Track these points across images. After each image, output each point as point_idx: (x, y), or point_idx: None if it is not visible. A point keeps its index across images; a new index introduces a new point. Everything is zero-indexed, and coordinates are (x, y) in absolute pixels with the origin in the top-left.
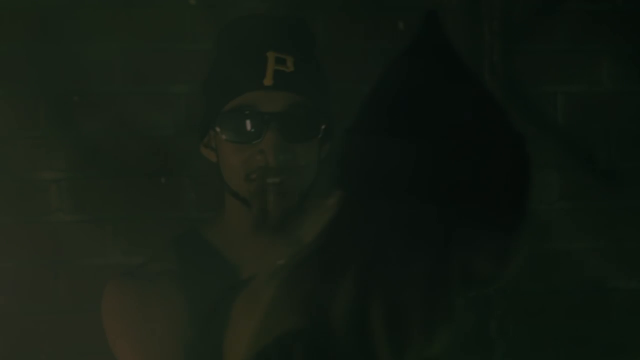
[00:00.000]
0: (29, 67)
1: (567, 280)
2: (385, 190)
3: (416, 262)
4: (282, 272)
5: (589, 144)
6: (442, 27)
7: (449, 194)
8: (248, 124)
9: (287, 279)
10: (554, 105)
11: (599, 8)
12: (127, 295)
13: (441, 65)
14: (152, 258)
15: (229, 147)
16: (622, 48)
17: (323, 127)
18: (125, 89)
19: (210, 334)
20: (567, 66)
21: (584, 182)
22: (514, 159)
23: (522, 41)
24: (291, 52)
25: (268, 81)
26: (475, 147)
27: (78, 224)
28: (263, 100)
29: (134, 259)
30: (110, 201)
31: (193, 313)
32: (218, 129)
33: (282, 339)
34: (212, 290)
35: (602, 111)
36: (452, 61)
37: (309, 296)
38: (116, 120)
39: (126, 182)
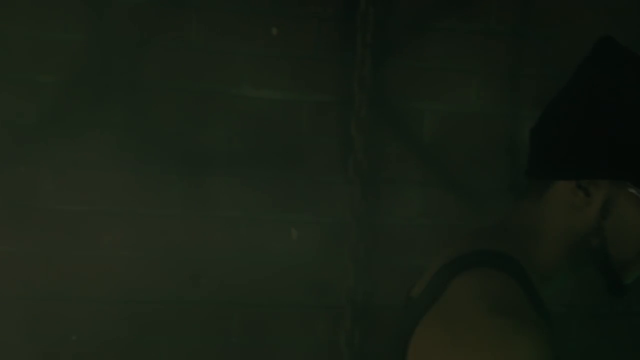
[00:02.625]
0: None
1: None
2: None
3: None
4: None
5: (452, 163)
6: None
7: None
8: None
9: None
10: (421, 122)
11: (472, 28)
12: None
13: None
14: None
15: None
16: (493, 69)
17: None
18: None
19: None
20: (437, 84)
21: (445, 201)
22: None
23: (393, 56)
24: None
25: None
26: None
27: None
28: None
29: None
30: None
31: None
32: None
33: None
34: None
35: (469, 131)
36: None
37: None
38: None
39: None
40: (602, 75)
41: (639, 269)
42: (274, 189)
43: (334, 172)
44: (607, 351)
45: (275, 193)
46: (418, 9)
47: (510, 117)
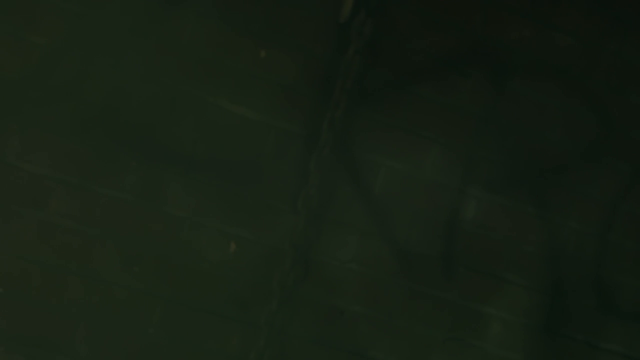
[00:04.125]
0: None
1: (342, 338)
2: None
3: None
4: None
5: (395, 219)
6: None
7: None
8: None
9: None
10: (376, 174)
11: (444, 100)
12: None
13: None
14: None
15: None
16: (454, 144)
17: None
18: None
19: None
20: (399, 143)
21: (379, 253)
22: None
23: (366, 106)
24: None
25: None
26: None
27: None
28: None
29: None
30: None
31: None
32: None
33: None
34: None
35: (417, 194)
36: None
37: None
38: None
39: None
40: None
41: None
42: (225, 199)
43: (284, 199)
44: None
45: (225, 203)
46: (401, 69)
47: (457, 192)
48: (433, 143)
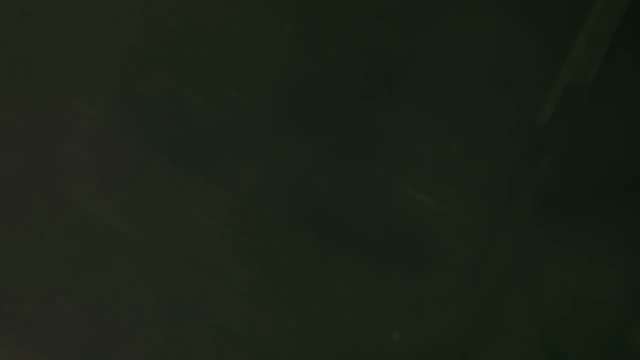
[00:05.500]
0: None
1: None
2: None
3: None
4: None
5: (562, 336)
6: None
7: None
8: None
9: None
10: (549, 286)
11: (630, 221)
12: None
13: None
14: None
15: None
16: (631, 265)
17: None
18: None
19: None
20: (578, 258)
21: None
22: None
23: (551, 216)
24: None
25: None
26: None
27: None
28: None
29: None
30: None
31: None
32: None
33: None
34: None
35: (592, 311)
36: None
37: None
38: None
39: None
40: None
41: None
42: (394, 286)
43: (453, 295)
44: None
45: (393, 289)
46: (591, 182)
47: (628, 316)
48: (612, 263)
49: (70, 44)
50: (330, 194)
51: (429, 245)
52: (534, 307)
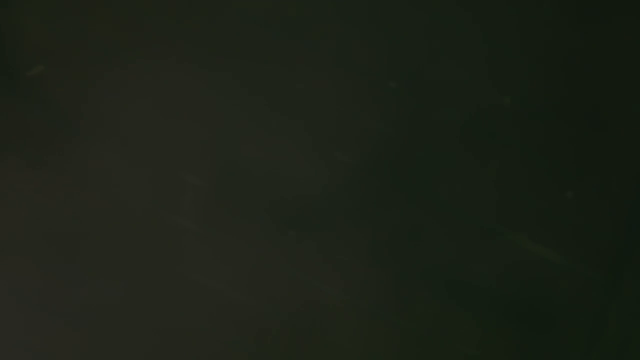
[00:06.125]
0: None
1: None
2: None
3: None
4: None
5: None
6: None
7: None
8: None
9: None
10: None
11: None
12: None
13: None
14: None
15: None
16: None
17: None
18: None
19: None
20: None
21: None
22: None
23: None
24: None
25: None
26: None
27: None
28: None
29: None
30: None
31: None
32: None
33: None
34: None
35: None
36: None
37: None
38: None
39: None
40: None
41: None
42: (512, 343)
43: (578, 349)
44: None
45: (512, 348)
46: None
47: None
48: None
49: None
50: (444, 249)
51: (547, 299)
52: None
